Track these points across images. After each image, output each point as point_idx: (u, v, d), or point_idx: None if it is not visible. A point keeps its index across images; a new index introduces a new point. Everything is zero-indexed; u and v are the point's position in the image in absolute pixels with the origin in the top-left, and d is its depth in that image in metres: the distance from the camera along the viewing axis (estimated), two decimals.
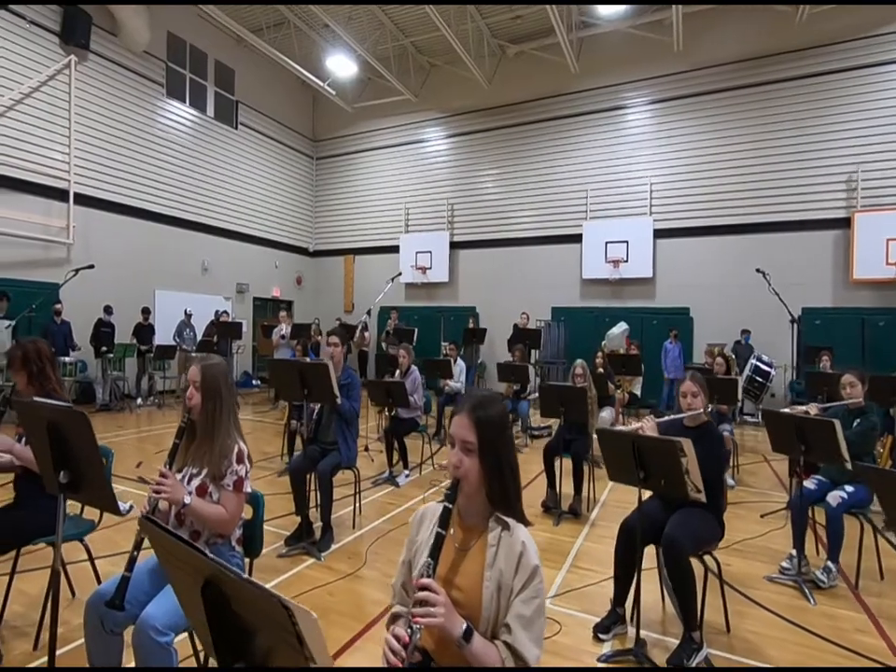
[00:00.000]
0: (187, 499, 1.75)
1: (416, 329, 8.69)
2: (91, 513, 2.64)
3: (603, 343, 8.01)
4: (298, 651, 0.73)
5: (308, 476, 3.59)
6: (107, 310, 8.87)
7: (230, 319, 9.84)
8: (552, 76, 11.63)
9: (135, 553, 1.67)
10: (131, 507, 1.83)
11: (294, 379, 3.36)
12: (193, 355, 9.97)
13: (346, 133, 14.47)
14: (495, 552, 1.21)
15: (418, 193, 13.40)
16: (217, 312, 10.85)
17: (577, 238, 11.46)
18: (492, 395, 1.30)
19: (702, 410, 2.66)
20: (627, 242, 10.81)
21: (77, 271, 4.86)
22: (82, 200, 9.35)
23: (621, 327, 7.69)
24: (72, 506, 2.74)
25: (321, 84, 12.13)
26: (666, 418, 2.73)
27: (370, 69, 12.49)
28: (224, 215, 12.30)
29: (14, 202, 8.44)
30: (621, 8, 10.17)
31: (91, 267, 5.12)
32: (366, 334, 11.58)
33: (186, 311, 10.28)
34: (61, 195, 9.06)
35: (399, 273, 8.74)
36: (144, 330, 9.48)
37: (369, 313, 6.68)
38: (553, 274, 11.72)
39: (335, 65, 11.72)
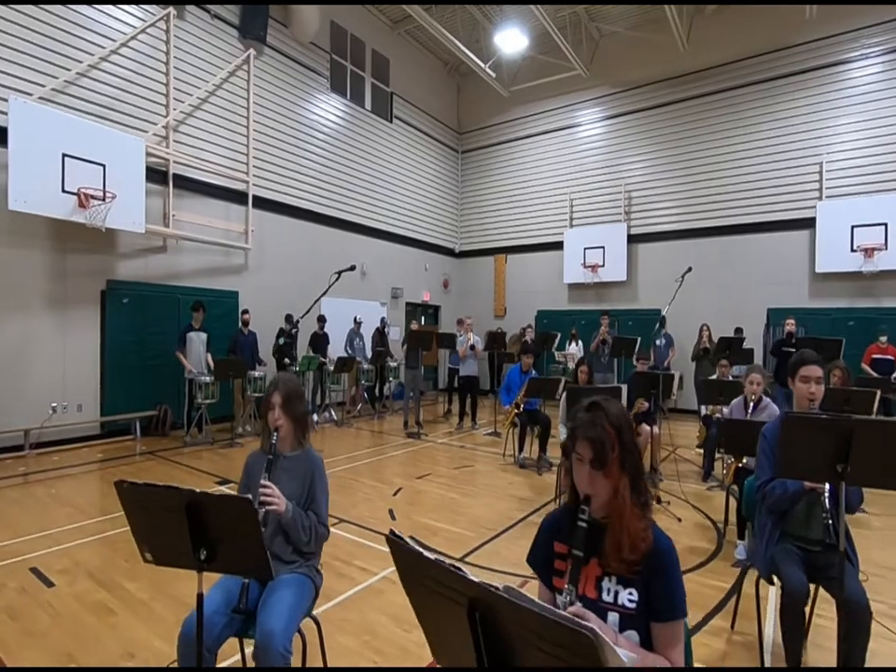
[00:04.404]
0: None
1: (639, 339, 7.15)
2: None
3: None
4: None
5: None
6: (288, 319, 8.20)
7: (419, 328, 8.87)
8: (769, 27, 9.56)
9: None
10: None
11: (826, 448, 1.92)
12: (366, 367, 9.15)
13: (496, 121, 13.24)
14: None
15: (586, 182, 11.82)
16: (382, 320, 10.03)
17: (803, 223, 9.32)
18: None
19: None
20: (886, 224, 8.54)
21: (339, 273, 3.89)
22: (257, 202, 8.84)
23: None
24: None
25: (482, 65, 10.95)
26: None
27: (535, 45, 11.17)
28: (379, 215, 11.51)
29: (199, 206, 8.02)
30: None
31: (353, 269, 4.17)
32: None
33: (356, 318, 9.51)
34: (240, 198, 8.57)
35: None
36: (320, 340, 8.74)
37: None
38: (771, 269, 9.64)
39: (503, 41, 10.46)
